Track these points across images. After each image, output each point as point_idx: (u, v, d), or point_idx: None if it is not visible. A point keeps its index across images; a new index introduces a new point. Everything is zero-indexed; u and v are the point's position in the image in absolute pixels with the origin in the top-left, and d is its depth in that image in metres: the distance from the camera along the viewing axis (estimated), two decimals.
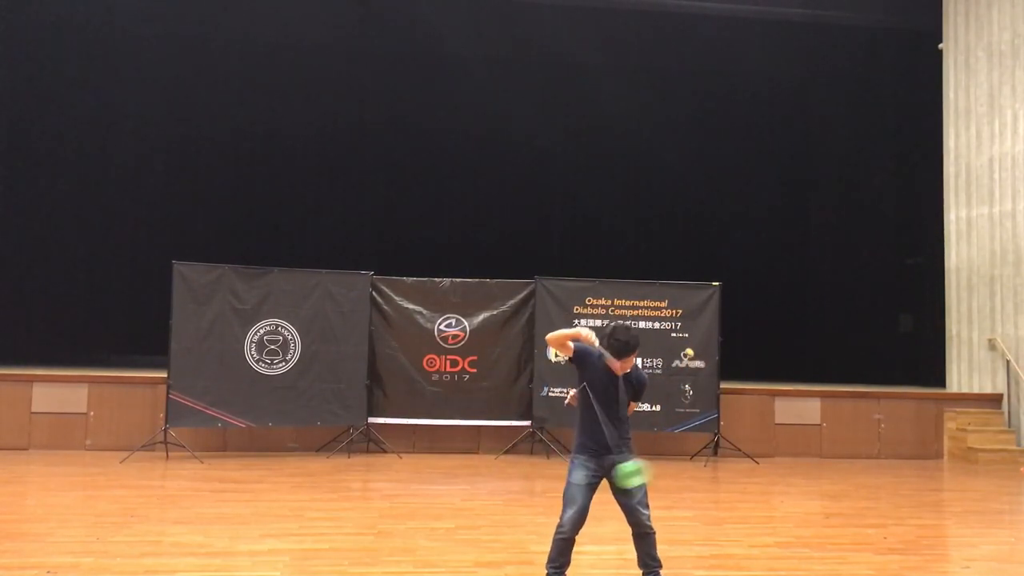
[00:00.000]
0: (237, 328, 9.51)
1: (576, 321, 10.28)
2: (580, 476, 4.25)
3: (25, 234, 14.06)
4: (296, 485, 7.78)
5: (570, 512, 4.21)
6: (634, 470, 4.16)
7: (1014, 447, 10.80)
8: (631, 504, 4.27)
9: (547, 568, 4.29)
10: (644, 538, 4.32)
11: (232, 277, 9.59)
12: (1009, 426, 11.10)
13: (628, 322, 10.26)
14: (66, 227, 14.42)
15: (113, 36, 14.39)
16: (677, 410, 10.12)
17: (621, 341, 4.19)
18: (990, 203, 11.65)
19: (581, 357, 4.31)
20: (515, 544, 5.70)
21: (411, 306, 10.23)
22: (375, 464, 9.31)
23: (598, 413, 4.25)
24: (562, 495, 4.30)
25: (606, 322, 10.29)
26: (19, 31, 13.90)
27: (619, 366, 4.22)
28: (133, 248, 14.58)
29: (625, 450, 4.31)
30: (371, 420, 9.94)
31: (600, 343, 4.23)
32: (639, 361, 10.06)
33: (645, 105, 15.72)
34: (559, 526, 4.25)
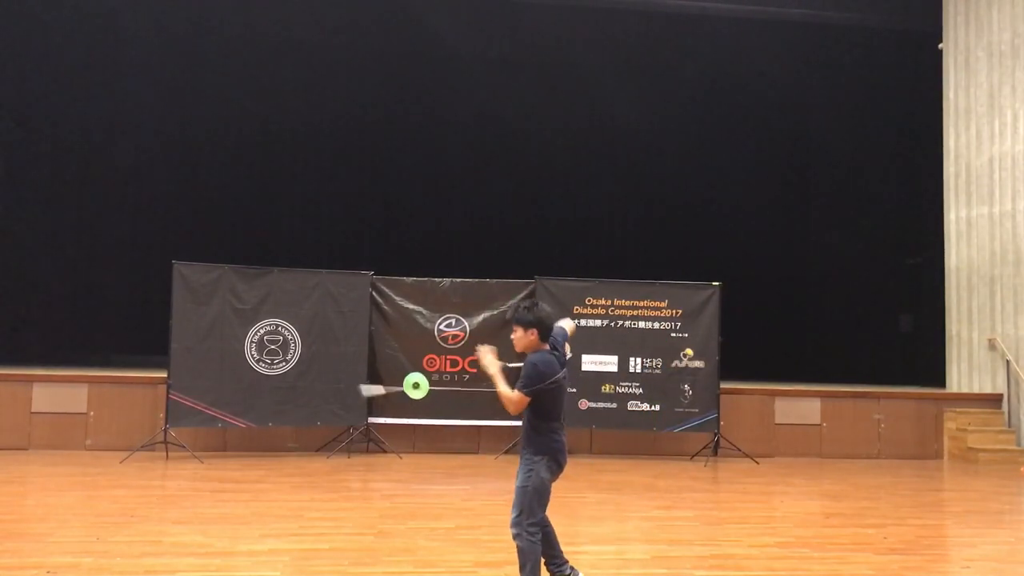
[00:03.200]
0: (237, 328, 9.51)
1: (575, 321, 10.28)
2: (551, 475, 4.21)
3: (25, 234, 14.05)
4: (296, 485, 7.78)
5: (545, 508, 4.21)
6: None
7: (1014, 447, 10.80)
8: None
9: (551, 569, 4.23)
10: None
11: (232, 277, 9.59)
12: (1009, 426, 11.10)
13: (626, 322, 10.27)
14: (66, 227, 14.43)
15: (113, 36, 14.39)
16: (677, 410, 10.12)
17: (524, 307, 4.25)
18: (990, 203, 11.65)
19: (546, 380, 4.14)
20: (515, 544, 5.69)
21: (411, 306, 10.23)
22: (375, 464, 9.31)
23: (558, 420, 4.24)
24: (533, 495, 4.16)
25: (606, 322, 10.30)
26: (19, 30, 13.89)
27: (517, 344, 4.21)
28: (133, 248, 14.58)
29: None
30: (371, 420, 9.94)
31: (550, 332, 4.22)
32: (639, 360, 10.13)
33: (645, 105, 15.73)
34: (539, 525, 4.17)
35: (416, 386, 4.20)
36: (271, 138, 15.40)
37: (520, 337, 4.16)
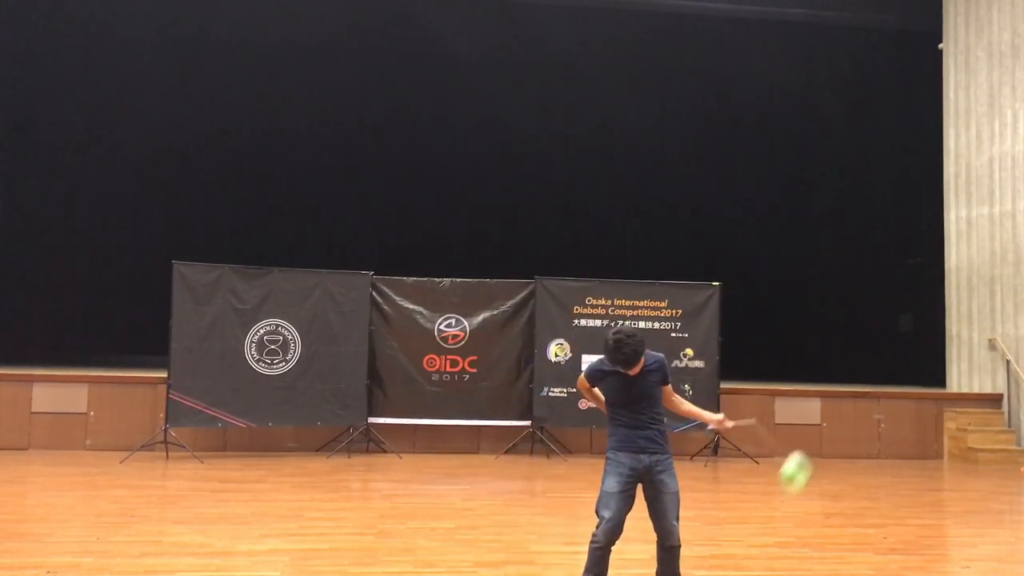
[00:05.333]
0: (237, 328, 9.51)
1: (575, 321, 10.29)
2: (613, 483, 4.03)
3: (25, 234, 14.05)
4: (296, 485, 7.78)
5: (604, 522, 3.99)
6: (794, 473, 3.94)
7: (1014, 447, 10.80)
8: (661, 512, 4.07)
9: None
10: (670, 552, 4.10)
11: (232, 277, 9.59)
12: (1009, 426, 11.09)
13: (626, 322, 10.26)
14: (66, 227, 14.42)
15: (113, 36, 14.39)
16: None
17: (626, 354, 3.97)
18: (990, 203, 11.64)
19: (594, 379, 4.23)
20: (515, 544, 5.70)
21: (411, 306, 10.23)
22: (375, 464, 9.31)
23: (625, 416, 4.10)
24: (596, 503, 4.10)
25: (606, 322, 10.29)
26: (19, 30, 13.89)
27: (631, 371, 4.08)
28: (133, 248, 14.58)
29: (660, 451, 4.11)
30: (371, 420, 9.94)
31: (606, 354, 4.06)
32: None
33: (645, 105, 15.74)
34: (593, 537, 4.01)
35: (791, 480, 4.08)
36: (271, 138, 15.39)
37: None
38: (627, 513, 4.03)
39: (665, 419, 4.21)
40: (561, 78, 15.78)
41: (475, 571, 4.99)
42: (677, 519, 4.07)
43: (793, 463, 4.01)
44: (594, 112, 16.02)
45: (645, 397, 4.13)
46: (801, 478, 3.99)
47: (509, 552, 5.46)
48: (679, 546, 4.09)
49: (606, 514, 3.99)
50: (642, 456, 4.06)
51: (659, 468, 4.07)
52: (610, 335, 4.05)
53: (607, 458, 4.14)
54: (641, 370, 4.07)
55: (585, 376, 4.29)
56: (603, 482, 4.08)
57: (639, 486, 4.10)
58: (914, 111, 14.55)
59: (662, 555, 4.11)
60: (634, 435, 4.08)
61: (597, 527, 4.01)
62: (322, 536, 5.78)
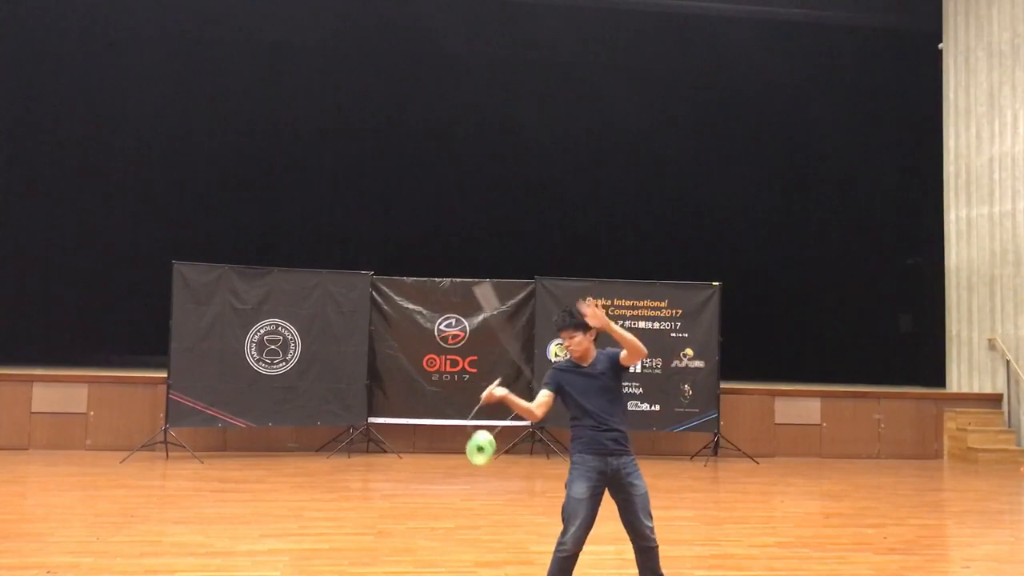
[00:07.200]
0: (237, 328, 9.51)
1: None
2: (581, 488, 3.91)
3: (25, 234, 14.04)
4: (296, 485, 7.78)
5: (572, 529, 3.87)
6: (481, 445, 3.94)
7: (1014, 447, 10.80)
8: (633, 514, 3.98)
9: None
10: (647, 552, 4.01)
11: (232, 277, 9.59)
12: (1009, 426, 11.10)
13: (626, 322, 10.27)
14: (66, 227, 14.41)
15: (114, 35, 14.38)
16: (676, 410, 10.12)
17: (570, 312, 4.17)
18: (990, 203, 11.65)
19: (556, 384, 4.20)
20: (515, 544, 5.70)
21: (411, 306, 10.23)
22: (375, 464, 9.31)
23: (591, 417, 4.05)
24: (561, 510, 3.96)
25: None
26: (19, 30, 13.89)
27: (574, 351, 4.15)
28: (133, 248, 14.57)
29: (626, 453, 4.03)
30: (371, 420, 9.94)
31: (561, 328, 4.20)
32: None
33: (645, 105, 15.73)
34: (560, 544, 3.89)
35: (480, 450, 4.08)
36: (271, 138, 15.39)
37: (581, 341, 4.16)
38: (595, 517, 3.95)
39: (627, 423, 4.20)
40: (561, 78, 15.78)
41: (475, 571, 4.99)
42: (650, 519, 4.01)
43: (485, 438, 4.02)
44: (594, 112, 16.01)
45: (606, 395, 4.12)
46: (480, 458, 3.99)
47: (509, 552, 5.46)
48: (656, 547, 4.03)
49: (576, 521, 3.88)
50: (610, 459, 3.98)
51: (627, 471, 4.00)
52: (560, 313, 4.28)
53: (573, 461, 4.04)
54: (592, 364, 4.17)
55: (547, 384, 4.22)
56: (570, 487, 3.96)
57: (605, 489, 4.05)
58: (914, 111, 14.55)
59: (640, 557, 4.07)
60: (600, 437, 4.01)
61: (564, 533, 3.89)
62: (322, 536, 5.78)
